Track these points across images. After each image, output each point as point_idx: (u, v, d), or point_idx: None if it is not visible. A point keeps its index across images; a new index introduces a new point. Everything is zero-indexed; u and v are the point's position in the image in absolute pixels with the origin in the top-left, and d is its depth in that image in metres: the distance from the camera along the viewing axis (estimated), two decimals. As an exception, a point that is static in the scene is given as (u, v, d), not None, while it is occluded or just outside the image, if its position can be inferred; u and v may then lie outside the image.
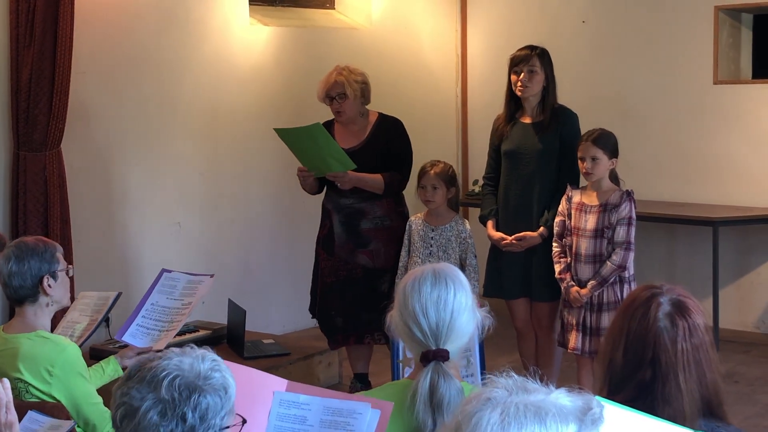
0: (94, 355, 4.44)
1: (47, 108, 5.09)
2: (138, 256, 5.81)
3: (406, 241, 4.97)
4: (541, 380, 1.50)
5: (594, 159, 4.55)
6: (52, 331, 3.40)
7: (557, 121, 4.86)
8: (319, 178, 5.06)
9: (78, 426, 3.21)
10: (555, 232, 4.72)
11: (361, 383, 5.18)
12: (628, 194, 4.57)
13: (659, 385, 2.15)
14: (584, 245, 4.58)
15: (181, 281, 3.90)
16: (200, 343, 4.84)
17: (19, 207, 5.13)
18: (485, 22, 7.37)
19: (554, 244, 4.73)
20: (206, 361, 1.96)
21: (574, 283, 4.61)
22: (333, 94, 5.01)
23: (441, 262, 3.25)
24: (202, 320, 5.53)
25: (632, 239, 4.54)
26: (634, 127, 6.53)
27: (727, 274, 6.28)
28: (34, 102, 5.06)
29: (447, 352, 2.46)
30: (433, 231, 4.92)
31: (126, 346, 3.87)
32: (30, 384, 3.17)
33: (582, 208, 4.61)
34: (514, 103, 4.96)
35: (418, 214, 5.02)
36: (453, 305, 2.47)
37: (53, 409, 3.07)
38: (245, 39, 6.26)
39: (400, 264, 4.97)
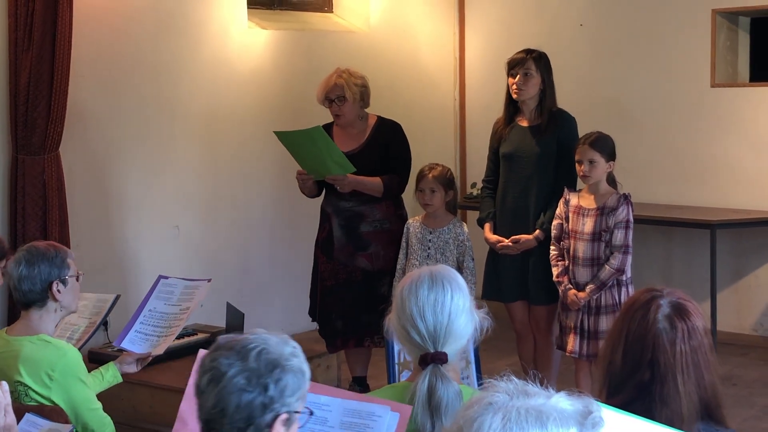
0: (92, 359, 4.43)
1: (46, 111, 5.09)
2: (137, 259, 5.82)
3: (403, 244, 4.98)
4: (541, 384, 1.51)
5: (591, 162, 4.55)
6: (51, 333, 3.40)
7: (555, 125, 4.87)
8: (318, 181, 5.07)
9: (76, 430, 3.21)
10: (552, 235, 4.73)
11: (359, 386, 5.18)
12: (626, 197, 4.57)
13: (657, 386, 2.16)
14: (582, 248, 4.59)
15: (179, 287, 3.90)
16: (198, 346, 4.85)
17: (18, 210, 5.14)
18: (483, 25, 7.38)
19: (552, 247, 4.73)
20: (288, 345, 2.10)
21: (571, 286, 4.62)
22: (332, 97, 5.01)
23: (438, 264, 3.25)
24: (200, 323, 5.52)
25: (630, 242, 4.55)
26: (631, 129, 6.54)
27: (724, 277, 6.29)
28: (33, 105, 5.07)
29: (445, 354, 2.46)
30: (431, 234, 4.92)
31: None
32: (30, 387, 3.17)
33: (579, 211, 4.62)
34: (513, 106, 4.97)
35: (416, 217, 5.03)
36: (450, 308, 2.47)
37: (52, 413, 3.07)
38: (243, 42, 6.27)
39: (398, 267, 4.97)
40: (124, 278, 5.72)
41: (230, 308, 5.32)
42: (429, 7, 7.34)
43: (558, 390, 1.51)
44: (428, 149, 6.48)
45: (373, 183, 5.01)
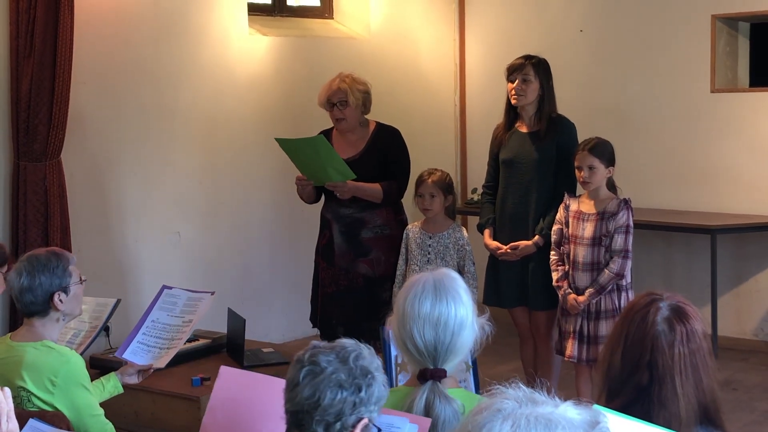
0: (94, 365, 4.42)
1: (47, 118, 5.11)
2: (138, 265, 5.83)
3: (403, 250, 4.97)
4: (548, 392, 1.51)
5: (591, 168, 4.56)
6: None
7: (554, 130, 4.87)
8: (317, 187, 5.07)
9: (78, 436, 3.21)
10: (552, 240, 4.74)
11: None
12: (626, 202, 4.58)
13: (656, 387, 2.16)
14: (582, 253, 4.59)
15: (182, 298, 3.89)
16: (200, 352, 4.83)
17: (20, 217, 5.14)
18: (483, 31, 7.39)
19: (552, 253, 4.74)
20: (376, 359, 2.25)
21: (571, 291, 4.63)
22: (334, 101, 5.00)
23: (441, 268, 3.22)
24: (201, 329, 5.52)
25: (630, 247, 4.56)
26: (631, 135, 6.55)
27: (725, 282, 6.30)
28: (34, 112, 5.08)
29: (444, 372, 2.43)
30: (430, 239, 4.93)
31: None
32: (32, 393, 3.17)
33: (579, 216, 4.63)
34: (513, 112, 4.98)
35: (416, 223, 5.03)
36: (454, 326, 2.42)
37: (54, 418, 3.07)
38: (244, 48, 6.28)
39: (398, 273, 4.97)
40: (126, 284, 5.73)
41: (231, 314, 5.32)
42: (429, 13, 7.36)
43: (559, 395, 1.51)
44: (429, 155, 6.50)
45: (373, 189, 5.01)
